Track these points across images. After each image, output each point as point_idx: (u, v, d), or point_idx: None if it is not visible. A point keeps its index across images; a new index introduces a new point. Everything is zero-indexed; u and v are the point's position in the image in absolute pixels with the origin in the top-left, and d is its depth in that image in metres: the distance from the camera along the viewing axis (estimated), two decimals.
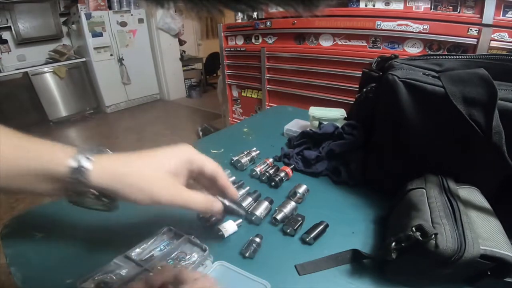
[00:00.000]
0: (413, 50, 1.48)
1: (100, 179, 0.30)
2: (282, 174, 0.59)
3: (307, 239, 0.44)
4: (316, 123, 0.74)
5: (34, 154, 0.29)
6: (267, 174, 0.60)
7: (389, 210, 0.47)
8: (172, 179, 0.33)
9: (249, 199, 0.51)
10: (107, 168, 0.31)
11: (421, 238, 0.32)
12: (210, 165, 0.37)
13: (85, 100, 3.90)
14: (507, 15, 1.25)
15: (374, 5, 1.56)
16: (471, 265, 0.31)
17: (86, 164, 0.30)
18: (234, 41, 2.13)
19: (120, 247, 0.42)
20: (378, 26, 1.50)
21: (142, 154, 0.34)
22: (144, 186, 0.31)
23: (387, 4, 1.51)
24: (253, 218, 0.48)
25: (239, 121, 1.37)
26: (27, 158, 0.29)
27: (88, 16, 3.41)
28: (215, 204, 0.37)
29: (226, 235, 0.45)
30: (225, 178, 0.39)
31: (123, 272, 0.37)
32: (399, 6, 1.48)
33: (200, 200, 0.35)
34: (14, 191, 0.30)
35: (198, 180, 0.40)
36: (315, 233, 0.44)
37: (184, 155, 0.35)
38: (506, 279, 0.33)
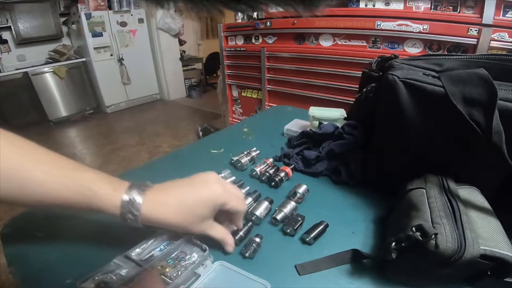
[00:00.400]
0: (413, 50, 1.47)
1: (145, 221, 0.36)
2: (282, 174, 0.59)
3: (307, 239, 0.44)
4: (316, 123, 0.74)
5: (84, 194, 0.33)
6: (267, 174, 0.60)
7: (389, 210, 0.47)
8: (202, 219, 0.39)
9: (249, 199, 0.51)
10: (150, 213, 0.36)
11: (421, 238, 0.32)
12: (235, 208, 0.41)
13: (85, 100, 3.90)
14: (507, 15, 1.25)
15: (374, 5, 1.56)
16: (471, 265, 0.31)
17: (135, 212, 0.34)
18: (234, 41, 2.13)
19: (120, 247, 0.42)
20: (378, 26, 1.50)
21: (180, 193, 0.38)
22: (180, 225, 0.38)
23: (387, 4, 1.51)
24: (253, 218, 0.48)
25: (239, 121, 1.37)
26: (78, 200, 0.33)
27: (88, 16, 3.41)
28: (229, 238, 0.42)
29: None
30: (241, 217, 0.44)
31: (123, 272, 0.37)
32: (399, 6, 1.48)
33: (220, 233, 0.41)
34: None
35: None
36: (315, 233, 0.44)
37: (215, 202, 0.39)
38: (506, 279, 0.33)
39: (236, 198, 0.41)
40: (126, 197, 0.34)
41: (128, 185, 0.36)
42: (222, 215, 0.43)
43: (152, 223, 0.37)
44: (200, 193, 0.38)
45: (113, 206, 0.34)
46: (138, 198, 0.35)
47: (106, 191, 0.34)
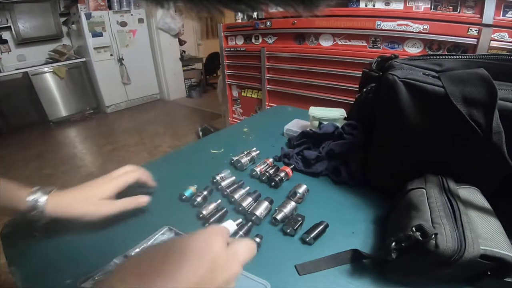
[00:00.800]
0: (413, 50, 1.47)
1: (52, 212, 0.41)
2: (282, 174, 0.59)
3: (307, 239, 0.44)
4: (316, 123, 0.74)
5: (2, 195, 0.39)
6: (267, 174, 0.60)
7: (389, 210, 0.47)
8: (102, 200, 0.45)
9: (249, 199, 0.51)
10: (56, 204, 0.42)
11: (421, 238, 0.32)
12: (130, 178, 0.49)
13: (85, 100, 3.90)
14: (507, 15, 1.24)
15: (374, 5, 1.56)
16: (471, 265, 0.31)
17: (40, 203, 0.41)
18: (234, 41, 2.13)
19: (120, 247, 0.42)
20: (378, 26, 1.50)
21: (79, 189, 0.45)
22: (85, 212, 0.43)
23: (387, 4, 1.51)
24: (253, 218, 0.48)
25: (239, 121, 1.37)
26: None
27: (88, 16, 3.41)
28: (139, 199, 0.49)
29: None
30: (144, 177, 0.52)
31: None
32: (399, 6, 1.48)
33: (127, 201, 0.47)
34: None
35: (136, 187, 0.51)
36: (315, 233, 0.44)
37: (111, 185, 0.47)
38: (506, 279, 0.33)
39: (124, 172, 0.50)
40: (31, 196, 0.41)
41: (34, 187, 0.42)
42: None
43: (59, 213, 0.42)
44: (97, 184, 0.47)
45: (22, 202, 0.40)
46: (43, 197, 0.41)
47: (15, 191, 0.41)
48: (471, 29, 1.28)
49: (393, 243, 0.34)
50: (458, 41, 1.34)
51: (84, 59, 3.76)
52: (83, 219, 0.43)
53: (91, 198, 0.44)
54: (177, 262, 0.25)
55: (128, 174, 0.50)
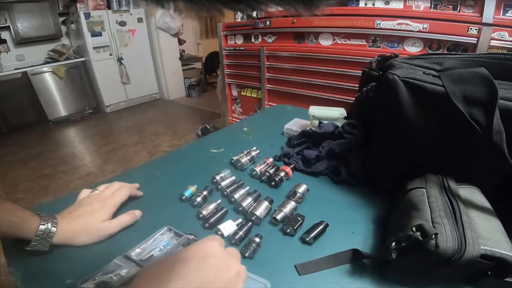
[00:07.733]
0: (413, 49, 1.47)
1: (57, 240, 0.42)
2: (282, 174, 0.59)
3: (307, 239, 0.44)
4: (316, 122, 0.74)
5: (11, 223, 0.39)
6: (267, 173, 0.60)
7: (389, 210, 0.47)
8: (103, 222, 0.47)
9: (249, 199, 0.51)
10: (59, 234, 0.43)
11: (421, 238, 0.32)
12: (124, 195, 0.52)
13: (85, 99, 3.90)
14: (507, 14, 1.24)
15: (373, 4, 1.56)
16: (472, 265, 0.31)
17: (51, 232, 0.42)
18: (233, 40, 2.13)
19: (120, 247, 0.42)
20: (378, 25, 1.50)
21: (78, 217, 0.46)
22: (87, 240, 0.45)
23: (387, 3, 1.51)
24: (253, 218, 0.48)
25: (238, 120, 1.37)
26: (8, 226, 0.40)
27: (87, 16, 3.40)
28: (135, 213, 0.50)
29: (225, 235, 0.45)
30: (133, 191, 0.55)
31: (123, 272, 0.37)
32: (399, 5, 1.48)
33: (126, 218, 0.49)
34: None
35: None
36: (315, 233, 0.44)
37: (108, 208, 0.49)
38: (507, 279, 0.33)
39: (116, 190, 0.52)
40: (42, 226, 0.41)
41: (40, 216, 0.42)
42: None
43: (62, 242, 0.43)
44: (91, 211, 0.47)
45: (30, 231, 0.40)
46: (53, 229, 0.42)
47: (25, 219, 0.41)
48: (471, 28, 1.28)
49: (393, 243, 0.34)
50: (458, 40, 1.34)
51: (83, 59, 3.75)
52: (85, 245, 0.45)
53: (92, 226, 0.46)
54: (182, 269, 0.28)
55: (120, 191, 0.52)
